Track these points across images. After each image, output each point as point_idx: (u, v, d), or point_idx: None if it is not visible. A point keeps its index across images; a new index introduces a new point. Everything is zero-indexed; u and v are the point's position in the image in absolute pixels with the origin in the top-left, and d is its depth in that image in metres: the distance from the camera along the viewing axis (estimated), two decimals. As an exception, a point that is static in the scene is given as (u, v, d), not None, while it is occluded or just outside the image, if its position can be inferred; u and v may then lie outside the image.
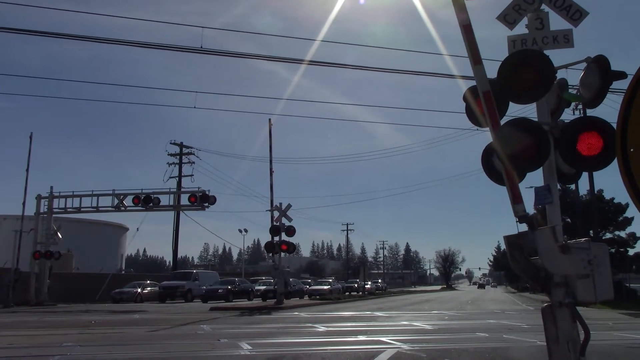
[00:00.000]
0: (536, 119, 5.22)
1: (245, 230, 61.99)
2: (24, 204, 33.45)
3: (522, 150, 4.81)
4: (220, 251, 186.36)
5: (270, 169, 28.56)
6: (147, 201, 32.02)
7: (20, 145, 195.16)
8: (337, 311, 24.05)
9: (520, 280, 72.27)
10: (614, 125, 4.30)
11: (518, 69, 4.90)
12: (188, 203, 32.28)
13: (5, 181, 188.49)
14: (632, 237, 39.62)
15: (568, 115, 23.30)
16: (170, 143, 47.50)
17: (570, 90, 5.45)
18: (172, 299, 37.39)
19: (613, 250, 36.82)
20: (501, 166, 4.86)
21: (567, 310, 4.75)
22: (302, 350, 9.50)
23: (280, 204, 28.93)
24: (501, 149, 4.88)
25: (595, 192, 36.18)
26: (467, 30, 5.34)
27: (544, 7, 5.42)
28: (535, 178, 5.39)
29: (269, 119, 29.29)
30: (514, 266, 4.98)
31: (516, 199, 4.88)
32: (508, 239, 4.81)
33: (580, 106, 25.89)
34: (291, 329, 14.39)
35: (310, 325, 15.59)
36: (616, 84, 5.17)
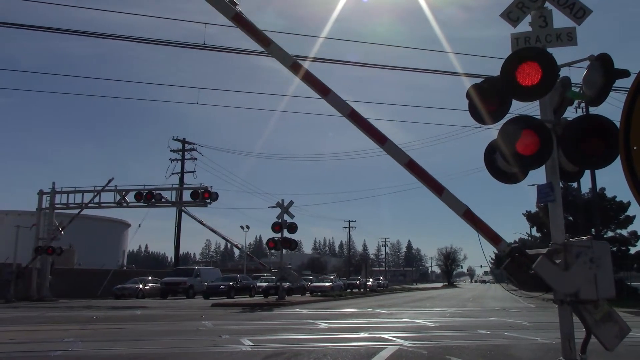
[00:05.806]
0: (539, 117, 5.21)
1: (247, 227, 61.81)
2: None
3: (525, 148, 4.82)
4: (222, 247, 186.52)
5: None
6: (149, 197, 32.04)
7: (19, 142, 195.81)
8: (339, 308, 24.06)
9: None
10: (617, 124, 4.30)
11: (521, 67, 4.89)
12: (190, 199, 32.31)
13: (5, 177, 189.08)
14: (634, 235, 39.56)
15: (571, 113, 23.25)
16: (173, 139, 47.49)
17: (573, 88, 5.44)
18: (174, 295, 37.48)
19: (615, 248, 36.75)
20: (474, 226, 5.10)
21: (568, 308, 4.77)
22: (303, 347, 9.52)
23: (283, 200, 28.92)
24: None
25: (597, 190, 36.10)
26: (353, 117, 5.56)
27: (547, 4, 5.40)
28: (538, 176, 5.39)
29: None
30: (523, 288, 5.10)
31: (495, 241, 5.05)
32: (507, 269, 4.92)
33: (583, 104, 25.88)
34: (292, 326, 14.41)
35: (311, 321, 15.62)
36: (619, 82, 5.16)
